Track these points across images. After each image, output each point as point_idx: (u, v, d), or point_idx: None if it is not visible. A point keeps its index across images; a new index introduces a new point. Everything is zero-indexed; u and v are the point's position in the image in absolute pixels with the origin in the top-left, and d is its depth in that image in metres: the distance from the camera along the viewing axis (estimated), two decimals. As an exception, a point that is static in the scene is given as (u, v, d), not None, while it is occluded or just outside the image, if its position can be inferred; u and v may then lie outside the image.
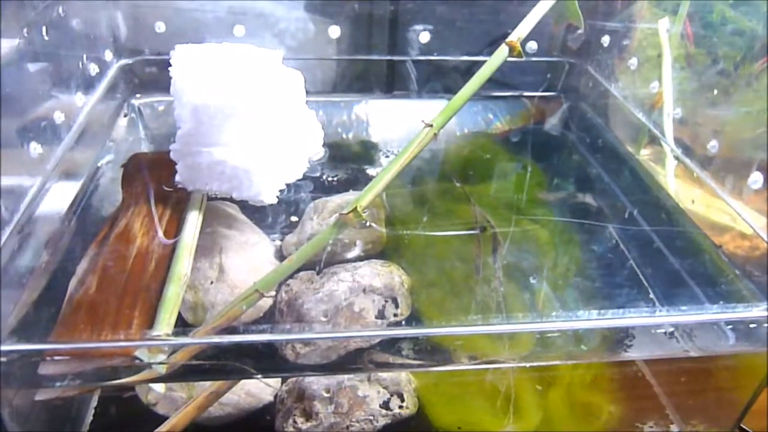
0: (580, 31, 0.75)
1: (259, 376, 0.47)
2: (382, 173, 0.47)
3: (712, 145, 0.55)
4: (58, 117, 0.57)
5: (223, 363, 0.40)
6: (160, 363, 0.39)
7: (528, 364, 0.49)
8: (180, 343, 0.39)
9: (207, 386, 0.46)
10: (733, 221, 0.52)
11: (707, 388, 0.56)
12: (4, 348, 0.37)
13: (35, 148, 0.52)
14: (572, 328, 0.42)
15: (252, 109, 0.52)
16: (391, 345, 0.47)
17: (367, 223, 0.57)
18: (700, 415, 0.57)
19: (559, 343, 0.42)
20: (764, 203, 0.49)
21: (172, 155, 0.52)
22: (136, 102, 0.74)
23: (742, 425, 0.60)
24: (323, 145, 0.62)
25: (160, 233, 0.51)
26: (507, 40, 0.51)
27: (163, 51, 0.65)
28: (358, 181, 0.68)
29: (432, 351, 0.45)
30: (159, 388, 0.41)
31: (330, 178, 0.68)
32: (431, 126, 0.49)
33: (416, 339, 0.45)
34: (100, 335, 0.41)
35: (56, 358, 0.38)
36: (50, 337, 0.41)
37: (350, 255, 0.56)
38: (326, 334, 0.42)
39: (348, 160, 0.71)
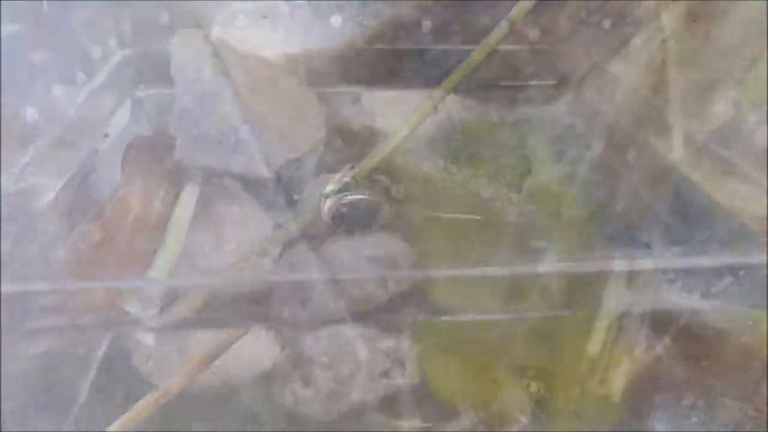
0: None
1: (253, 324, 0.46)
2: (384, 144, 0.48)
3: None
4: (60, 102, 0.58)
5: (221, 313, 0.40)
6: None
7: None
8: (172, 285, 0.39)
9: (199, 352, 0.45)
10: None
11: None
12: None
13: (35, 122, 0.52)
14: (568, 272, 0.42)
15: (253, 88, 0.53)
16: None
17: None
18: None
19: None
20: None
21: (172, 132, 0.52)
22: (138, 92, 0.75)
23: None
24: (324, 125, 0.62)
25: (159, 203, 0.51)
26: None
27: (166, 41, 0.67)
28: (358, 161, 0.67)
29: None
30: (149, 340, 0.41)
31: (330, 157, 0.68)
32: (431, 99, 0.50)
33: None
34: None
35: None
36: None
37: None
38: (322, 276, 0.42)
39: (349, 141, 0.71)
